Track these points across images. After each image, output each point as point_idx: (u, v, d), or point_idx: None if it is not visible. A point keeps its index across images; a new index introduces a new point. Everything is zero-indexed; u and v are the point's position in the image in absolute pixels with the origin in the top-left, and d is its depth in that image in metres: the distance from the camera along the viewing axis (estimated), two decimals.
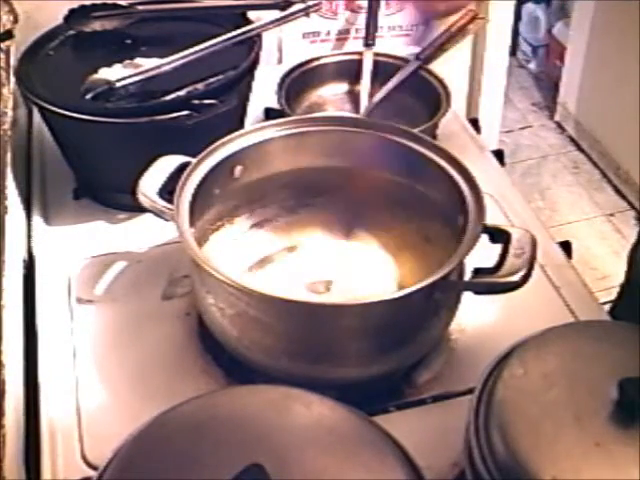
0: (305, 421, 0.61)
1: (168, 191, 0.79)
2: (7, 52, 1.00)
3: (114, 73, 0.95)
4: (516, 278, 0.71)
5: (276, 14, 1.05)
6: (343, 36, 1.44)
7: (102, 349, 0.84)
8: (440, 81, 1.09)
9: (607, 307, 1.05)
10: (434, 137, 1.06)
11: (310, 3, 1.07)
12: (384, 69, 1.16)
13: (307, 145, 0.87)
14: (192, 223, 0.77)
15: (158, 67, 0.94)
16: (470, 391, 0.64)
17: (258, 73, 1.02)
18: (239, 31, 1.00)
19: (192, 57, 0.95)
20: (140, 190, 0.80)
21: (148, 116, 0.91)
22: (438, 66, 1.12)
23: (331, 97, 1.18)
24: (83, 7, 1.04)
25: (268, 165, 0.88)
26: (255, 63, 1.00)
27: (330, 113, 1.14)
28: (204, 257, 0.75)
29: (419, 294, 0.71)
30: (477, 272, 0.73)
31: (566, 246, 0.97)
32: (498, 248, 0.73)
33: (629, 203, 2.21)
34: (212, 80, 0.95)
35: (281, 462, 0.56)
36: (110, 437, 0.68)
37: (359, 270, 0.86)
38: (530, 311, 0.86)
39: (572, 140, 2.44)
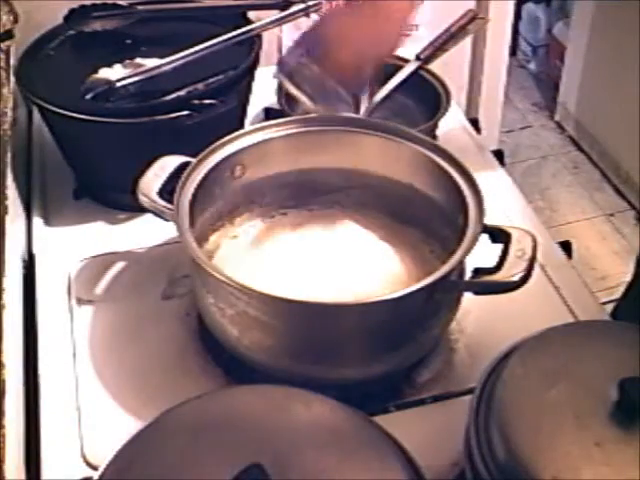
0: (305, 421, 0.61)
1: (168, 191, 0.79)
2: (7, 52, 1.00)
3: (114, 73, 0.95)
4: (516, 278, 0.71)
5: (276, 14, 1.05)
6: None
7: (102, 349, 0.84)
8: (440, 81, 1.09)
9: (609, 307, 1.05)
10: (434, 137, 1.06)
11: (310, 3, 1.07)
12: (384, 69, 1.16)
13: (307, 145, 0.87)
14: (192, 223, 0.77)
15: (158, 67, 0.94)
16: (470, 391, 0.64)
17: (258, 73, 1.02)
18: (239, 31, 1.00)
19: (192, 57, 0.95)
20: (140, 190, 0.80)
21: (148, 116, 0.91)
22: (438, 66, 1.11)
23: None
24: (83, 7, 1.04)
25: (268, 165, 0.88)
26: (255, 63, 1.00)
27: (330, 113, 1.14)
28: (204, 257, 0.75)
29: (419, 294, 0.71)
30: (477, 272, 0.73)
31: (566, 246, 0.97)
32: (498, 248, 0.73)
33: (629, 203, 2.21)
34: (212, 80, 0.95)
35: (281, 462, 0.56)
36: (110, 437, 0.68)
37: (359, 269, 0.86)
38: (530, 311, 0.86)
39: (572, 140, 2.44)
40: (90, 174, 1.03)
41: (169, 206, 0.78)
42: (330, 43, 0.78)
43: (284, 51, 0.81)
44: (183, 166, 0.81)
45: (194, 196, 0.79)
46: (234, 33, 0.99)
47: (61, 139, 1.01)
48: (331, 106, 0.80)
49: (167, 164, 0.82)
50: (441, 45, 1.11)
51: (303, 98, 0.79)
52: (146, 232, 0.96)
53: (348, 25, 0.79)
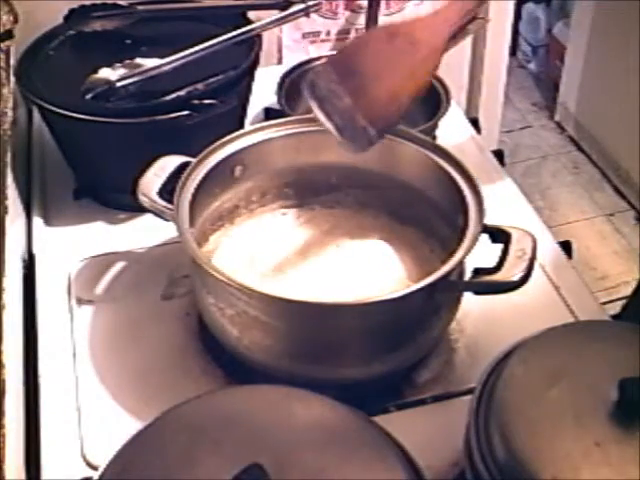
0: (305, 421, 0.61)
1: (168, 191, 0.79)
2: (7, 52, 1.00)
3: (114, 73, 0.95)
4: (516, 278, 0.71)
5: (276, 14, 1.05)
6: (343, 36, 1.44)
7: (102, 349, 0.84)
8: (440, 81, 1.09)
9: (609, 307, 1.05)
10: (434, 137, 1.06)
11: (310, 3, 1.07)
12: None
13: (307, 145, 0.87)
14: (192, 223, 0.77)
15: (158, 67, 0.94)
16: (470, 391, 0.64)
17: (258, 73, 1.02)
18: (239, 31, 1.00)
19: (192, 57, 0.95)
20: (140, 190, 0.80)
21: (148, 116, 0.91)
22: None
23: None
24: (83, 7, 1.04)
25: (268, 165, 0.88)
26: (255, 63, 1.00)
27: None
28: (204, 257, 0.75)
29: (419, 294, 0.71)
30: (477, 272, 0.73)
31: (566, 246, 0.97)
32: (498, 248, 0.73)
33: (629, 203, 2.21)
34: (212, 80, 0.95)
35: (281, 462, 0.56)
36: (110, 437, 0.68)
37: (359, 269, 0.86)
38: (530, 311, 0.86)
39: (572, 140, 2.44)
40: (90, 174, 1.03)
41: (169, 206, 0.78)
42: (365, 77, 0.76)
43: (313, 70, 0.78)
44: (183, 166, 0.81)
45: (194, 196, 0.79)
46: (234, 33, 0.99)
47: (61, 139, 1.01)
48: (357, 145, 0.77)
49: (167, 164, 0.82)
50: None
51: (331, 129, 0.77)
52: (146, 232, 0.96)
53: (385, 58, 0.76)
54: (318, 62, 1.16)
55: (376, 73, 0.76)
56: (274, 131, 0.86)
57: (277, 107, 1.09)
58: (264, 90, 1.09)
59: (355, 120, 0.76)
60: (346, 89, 0.76)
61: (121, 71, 0.95)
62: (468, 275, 0.75)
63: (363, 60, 0.77)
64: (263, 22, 1.03)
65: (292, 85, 1.12)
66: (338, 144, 0.77)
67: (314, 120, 0.86)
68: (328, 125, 0.76)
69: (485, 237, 0.75)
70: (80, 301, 0.89)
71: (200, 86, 0.94)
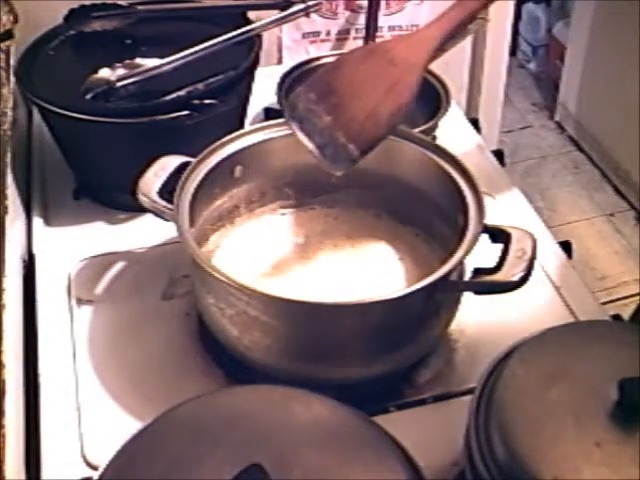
0: (305, 421, 0.61)
1: (168, 191, 0.79)
2: (7, 52, 1.00)
3: (114, 73, 0.95)
4: (516, 278, 0.71)
5: (276, 14, 1.05)
6: (343, 36, 1.44)
7: (102, 349, 0.84)
8: (440, 81, 1.09)
9: (609, 307, 1.05)
10: (434, 137, 1.06)
11: (310, 3, 1.07)
12: None
13: None
14: (192, 223, 0.77)
15: (158, 67, 0.94)
16: (470, 391, 0.64)
17: (258, 73, 1.02)
18: (239, 31, 1.00)
19: (192, 57, 0.95)
20: (140, 190, 0.80)
21: (148, 116, 0.91)
22: (438, 66, 1.12)
23: None
24: (83, 7, 1.04)
25: (268, 165, 0.88)
26: (255, 63, 1.00)
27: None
28: (204, 257, 0.75)
29: (419, 294, 0.71)
30: (477, 272, 0.73)
31: (566, 246, 0.97)
32: (498, 248, 0.74)
33: (629, 203, 2.21)
34: (212, 80, 0.95)
35: (281, 462, 0.56)
36: (110, 437, 0.68)
37: (359, 269, 0.86)
38: (530, 311, 0.86)
39: (572, 140, 2.44)
40: (90, 174, 1.03)
41: (169, 206, 0.78)
42: (343, 95, 0.76)
43: (291, 90, 0.78)
44: (183, 166, 0.81)
45: (194, 196, 0.79)
46: (234, 33, 0.99)
47: (61, 139, 1.01)
48: (339, 164, 0.78)
49: (167, 164, 0.82)
50: (441, 45, 1.11)
51: (312, 149, 0.77)
52: (146, 232, 0.96)
53: (362, 76, 0.77)
54: (318, 62, 1.16)
55: (353, 91, 0.76)
56: (274, 131, 0.86)
57: (277, 107, 1.08)
58: (264, 90, 1.09)
59: (335, 138, 0.76)
60: (325, 108, 0.76)
61: (121, 71, 0.95)
62: (468, 275, 0.75)
63: (340, 79, 0.77)
64: (263, 22, 1.03)
65: (292, 85, 1.12)
66: (320, 164, 0.78)
67: None
68: (309, 145, 0.77)
69: (485, 237, 0.75)
70: (80, 301, 0.89)
71: (200, 86, 0.94)
